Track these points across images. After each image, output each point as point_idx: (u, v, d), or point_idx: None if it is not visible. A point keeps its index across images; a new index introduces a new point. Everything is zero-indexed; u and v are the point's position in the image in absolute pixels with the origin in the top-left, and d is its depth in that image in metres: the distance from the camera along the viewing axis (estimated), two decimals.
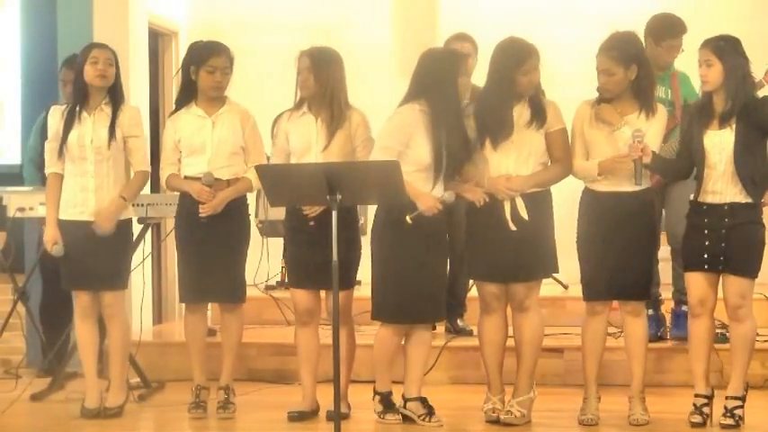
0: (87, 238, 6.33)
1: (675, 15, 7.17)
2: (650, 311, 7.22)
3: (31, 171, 7.70)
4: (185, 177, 6.43)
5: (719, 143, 5.91)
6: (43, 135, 7.49)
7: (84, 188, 6.37)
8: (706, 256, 5.94)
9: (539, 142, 6.09)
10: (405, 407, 6.22)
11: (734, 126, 5.88)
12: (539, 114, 6.08)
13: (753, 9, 8.13)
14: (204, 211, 6.31)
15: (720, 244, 5.90)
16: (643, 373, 6.16)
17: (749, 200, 5.91)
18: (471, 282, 7.37)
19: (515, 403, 6.14)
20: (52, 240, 6.37)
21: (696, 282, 6.00)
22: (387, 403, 6.29)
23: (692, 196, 6.05)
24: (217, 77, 6.37)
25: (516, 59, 6.02)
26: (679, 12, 7.43)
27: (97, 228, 6.32)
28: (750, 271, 5.94)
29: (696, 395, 6.05)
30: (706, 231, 5.94)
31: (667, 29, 7.05)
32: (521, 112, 6.08)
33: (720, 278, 5.97)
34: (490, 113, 6.05)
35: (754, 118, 5.87)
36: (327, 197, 5.41)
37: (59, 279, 6.56)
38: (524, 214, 6.01)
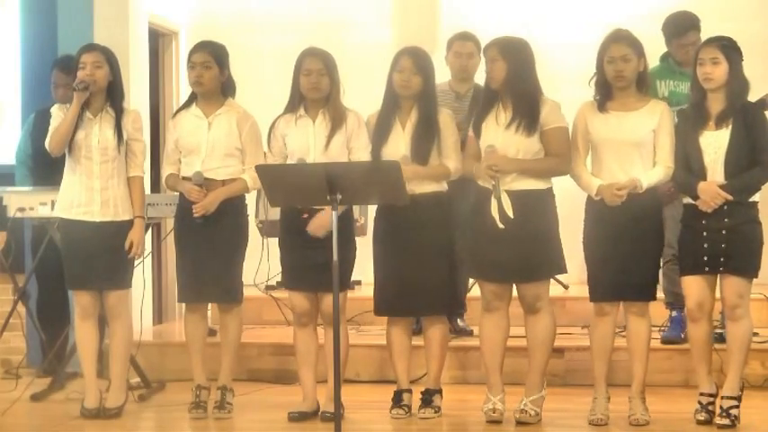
0: (91, 237, 6.33)
1: (685, 13, 7.08)
2: (674, 313, 7.19)
3: (23, 172, 7.68)
4: (183, 178, 6.43)
5: (715, 143, 5.90)
6: (33, 138, 7.50)
7: (90, 188, 6.36)
8: (706, 258, 5.92)
9: (527, 144, 6.00)
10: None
11: (730, 126, 5.88)
12: (521, 115, 6.00)
13: (754, 9, 8.12)
14: (196, 211, 6.31)
15: (720, 245, 5.88)
16: (644, 374, 6.14)
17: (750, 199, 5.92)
18: (471, 281, 7.37)
19: (528, 402, 6.14)
20: None
21: (695, 285, 5.98)
22: (395, 399, 6.32)
23: (685, 200, 6.04)
24: (196, 72, 6.36)
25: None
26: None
27: (136, 256, 6.41)
28: (750, 270, 5.93)
29: (701, 394, 6.05)
30: (705, 233, 5.92)
31: (673, 27, 6.98)
32: (497, 114, 6.06)
33: (719, 278, 5.96)
34: None
35: (748, 122, 5.86)
36: (327, 197, 5.41)
37: (55, 280, 6.52)
38: (510, 212, 5.96)
